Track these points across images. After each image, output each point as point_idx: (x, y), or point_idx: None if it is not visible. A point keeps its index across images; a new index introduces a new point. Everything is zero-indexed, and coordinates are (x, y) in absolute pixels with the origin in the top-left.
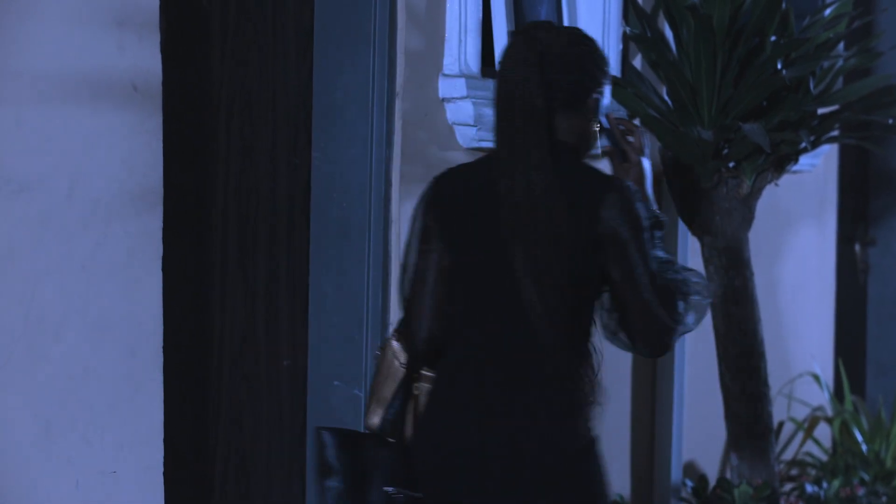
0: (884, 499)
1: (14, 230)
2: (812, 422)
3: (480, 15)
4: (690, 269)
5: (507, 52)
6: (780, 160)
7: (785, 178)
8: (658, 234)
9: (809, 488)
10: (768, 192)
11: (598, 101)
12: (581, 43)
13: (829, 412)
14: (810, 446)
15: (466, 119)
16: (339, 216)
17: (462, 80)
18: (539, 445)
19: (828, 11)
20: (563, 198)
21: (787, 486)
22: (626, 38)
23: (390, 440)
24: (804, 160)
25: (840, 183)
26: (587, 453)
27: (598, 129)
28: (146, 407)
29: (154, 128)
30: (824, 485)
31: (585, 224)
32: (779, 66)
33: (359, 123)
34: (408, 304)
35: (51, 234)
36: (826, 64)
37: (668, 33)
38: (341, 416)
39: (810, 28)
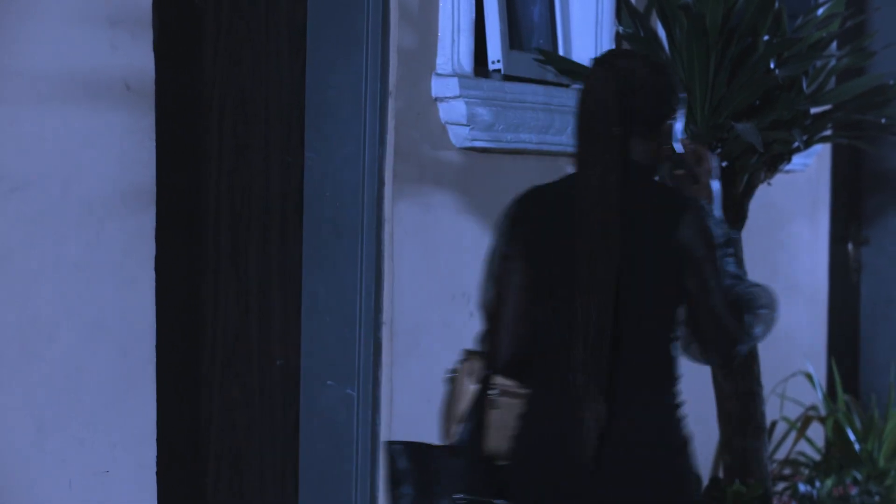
0: (877, 498)
1: (8, 230)
2: (805, 421)
3: (473, 14)
4: (758, 285)
5: (588, 80)
6: (773, 159)
7: (778, 178)
8: (729, 250)
9: (802, 487)
10: (761, 191)
11: (671, 127)
12: (658, 72)
13: (822, 411)
14: (803, 445)
15: (459, 118)
16: (332, 215)
17: (455, 80)
18: (641, 445)
19: (820, 11)
20: (632, 220)
21: (780, 486)
22: (618, 38)
23: (463, 450)
24: (797, 159)
25: (833, 182)
26: (684, 450)
27: (671, 152)
28: (140, 406)
29: (147, 127)
30: (817, 484)
31: (663, 241)
32: (771, 66)
33: (352, 122)
34: (491, 316)
35: (44, 234)
36: (819, 63)
37: (661, 32)
38: (334, 416)
39: (803, 27)
